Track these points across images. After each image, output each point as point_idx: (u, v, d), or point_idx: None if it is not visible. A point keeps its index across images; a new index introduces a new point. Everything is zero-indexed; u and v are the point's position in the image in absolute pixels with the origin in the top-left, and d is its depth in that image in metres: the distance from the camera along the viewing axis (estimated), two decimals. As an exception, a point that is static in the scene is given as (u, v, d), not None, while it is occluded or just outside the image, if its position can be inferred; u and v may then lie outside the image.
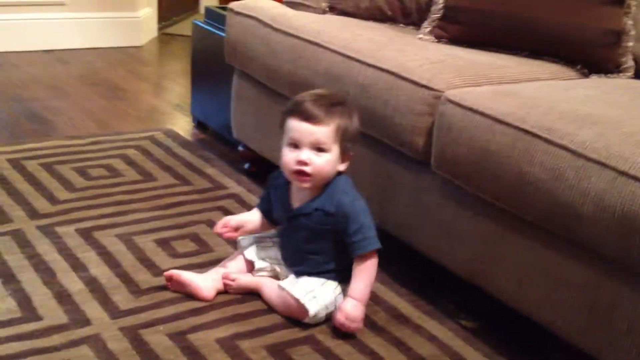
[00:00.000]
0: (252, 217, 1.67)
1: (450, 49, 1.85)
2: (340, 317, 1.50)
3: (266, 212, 1.67)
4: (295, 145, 1.52)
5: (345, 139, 1.53)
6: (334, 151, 1.52)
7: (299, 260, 1.59)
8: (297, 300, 1.51)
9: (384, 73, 1.70)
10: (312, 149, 1.51)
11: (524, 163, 1.38)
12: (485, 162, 1.46)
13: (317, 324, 1.54)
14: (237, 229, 1.63)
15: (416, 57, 1.71)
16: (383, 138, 1.72)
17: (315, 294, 1.53)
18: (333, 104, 1.53)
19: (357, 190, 1.58)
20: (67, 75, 3.25)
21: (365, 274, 1.53)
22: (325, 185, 1.56)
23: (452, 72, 1.65)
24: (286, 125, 1.54)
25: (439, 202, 1.63)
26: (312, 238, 1.57)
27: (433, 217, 1.64)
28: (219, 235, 1.65)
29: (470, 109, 1.50)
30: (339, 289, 1.57)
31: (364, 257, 1.53)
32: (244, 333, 1.49)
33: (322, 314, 1.53)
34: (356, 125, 1.57)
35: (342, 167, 1.56)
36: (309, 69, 1.90)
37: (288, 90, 2.00)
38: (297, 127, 1.51)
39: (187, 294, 1.59)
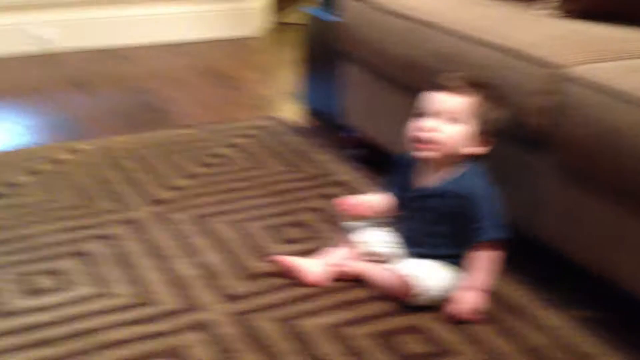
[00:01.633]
0: (374, 199, 1.63)
1: (571, 24, 1.74)
2: (454, 306, 1.46)
3: (395, 194, 1.62)
4: (424, 114, 1.50)
5: (484, 120, 1.48)
6: (470, 126, 1.47)
7: (420, 242, 1.56)
8: (404, 277, 1.48)
9: (499, 51, 1.62)
10: (444, 119, 1.48)
11: (655, 143, 1.27)
12: (613, 142, 1.35)
13: (425, 310, 1.49)
14: (356, 206, 1.60)
15: (534, 33, 1.62)
16: (498, 120, 1.64)
17: (424, 272, 1.49)
18: (480, 83, 1.51)
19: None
20: (186, 67, 3.34)
21: (484, 262, 1.48)
22: (456, 167, 1.51)
23: (574, 48, 1.54)
24: (420, 99, 1.53)
25: (559, 187, 1.53)
26: (439, 220, 1.53)
27: (552, 203, 1.55)
28: (342, 209, 1.61)
29: (598, 86, 1.39)
30: (452, 274, 1.51)
31: (486, 245, 1.47)
32: (352, 320, 1.46)
33: (428, 295, 1.48)
34: (502, 114, 1.51)
35: (476, 150, 1.50)
36: (422, 50, 1.84)
37: (401, 73, 1.95)
38: (431, 97, 1.50)
39: (295, 280, 1.58)
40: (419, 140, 1.49)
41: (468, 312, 1.46)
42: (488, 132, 1.50)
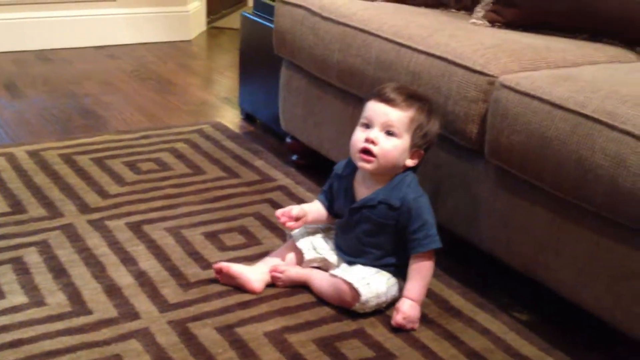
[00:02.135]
0: (314, 208, 1.65)
1: (504, 33, 1.79)
2: (398, 318, 1.47)
3: (329, 205, 1.64)
4: (367, 125, 1.52)
5: (418, 134, 1.51)
6: (404, 140, 1.50)
7: (357, 252, 1.57)
8: (349, 285, 1.49)
9: (435, 59, 1.65)
10: (383, 131, 1.49)
11: (585, 149, 1.32)
12: (543, 149, 1.39)
13: (366, 316, 1.50)
14: (297, 218, 1.60)
15: (469, 42, 1.65)
16: (434, 127, 1.67)
17: (368, 280, 1.50)
18: (415, 96, 1.53)
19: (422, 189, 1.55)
20: (118, 71, 3.28)
21: (422, 273, 1.51)
22: (391, 178, 1.53)
23: (507, 57, 1.59)
24: (364, 107, 1.54)
25: (494, 192, 1.57)
26: (373, 231, 1.54)
27: (487, 208, 1.59)
28: (280, 221, 1.62)
29: (527, 94, 1.44)
30: (392, 280, 1.54)
31: (422, 256, 1.50)
32: (293, 326, 1.46)
33: (373, 302, 1.50)
34: (434, 128, 1.54)
35: (410, 162, 1.53)
36: (359, 57, 1.86)
37: (337, 80, 1.97)
38: (373, 107, 1.52)
39: (236, 287, 1.57)
40: (361, 151, 1.51)
41: (409, 323, 1.48)
42: (420, 145, 1.53)
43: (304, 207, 1.65)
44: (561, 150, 1.36)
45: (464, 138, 1.60)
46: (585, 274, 1.39)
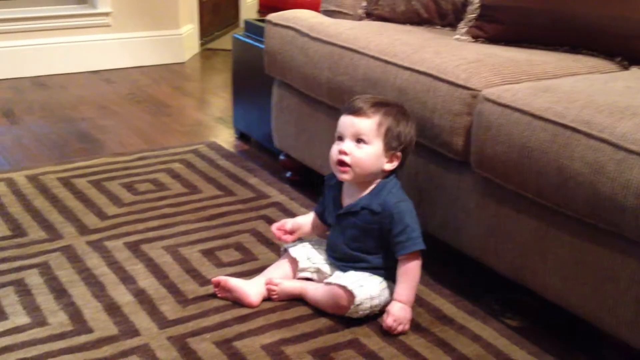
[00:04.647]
0: (308, 220, 1.72)
1: (487, 48, 1.84)
2: (388, 320, 1.51)
3: (321, 214, 1.70)
4: (340, 138, 1.58)
5: (389, 137, 1.55)
6: (375, 145, 1.55)
7: (347, 258, 1.62)
8: (344, 288, 1.53)
9: (421, 75, 1.70)
10: (354, 141, 1.55)
11: (564, 158, 1.37)
12: (525, 159, 1.44)
13: (360, 325, 1.54)
14: (292, 232, 1.68)
15: (453, 58, 1.71)
16: (423, 140, 1.72)
17: (361, 283, 1.55)
18: (381, 102, 1.58)
19: (405, 193, 1.60)
20: (114, 94, 3.33)
21: (409, 275, 1.55)
22: (374, 185, 1.58)
23: (489, 71, 1.64)
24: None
25: (481, 202, 1.62)
26: (359, 237, 1.59)
27: (475, 217, 1.63)
28: (276, 235, 1.70)
29: (508, 107, 1.49)
30: (384, 283, 1.58)
31: (407, 258, 1.54)
32: (289, 338, 1.50)
33: (367, 305, 1.54)
34: (408, 129, 1.58)
35: (388, 166, 1.58)
36: (347, 75, 1.91)
37: (327, 97, 2.02)
38: (343, 120, 1.58)
39: (233, 301, 1.61)
40: (337, 163, 1.57)
41: (400, 325, 1.52)
42: (395, 148, 1.57)
43: (298, 220, 1.71)
44: (542, 159, 1.41)
45: (451, 150, 1.65)
46: (570, 278, 1.43)
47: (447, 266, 1.82)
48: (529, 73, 1.67)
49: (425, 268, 1.76)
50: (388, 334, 1.53)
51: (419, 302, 1.64)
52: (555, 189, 1.40)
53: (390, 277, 1.59)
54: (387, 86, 1.78)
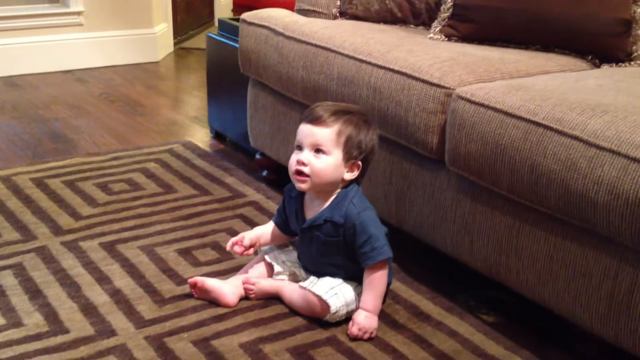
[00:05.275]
0: (266, 230, 1.68)
1: (460, 47, 1.86)
2: (354, 329, 1.51)
3: (281, 224, 1.67)
4: (299, 147, 1.54)
5: (349, 146, 1.51)
6: (334, 155, 1.51)
7: (319, 268, 1.61)
8: (319, 297, 1.53)
9: (395, 74, 1.71)
10: (312, 150, 1.52)
11: (537, 155, 1.39)
12: (498, 156, 1.46)
13: (338, 324, 1.55)
14: (251, 246, 1.64)
15: (426, 57, 1.72)
16: (397, 138, 1.74)
17: (336, 290, 1.55)
18: (341, 111, 1.54)
19: (368, 200, 1.58)
20: (87, 94, 3.31)
21: (375, 284, 1.54)
22: (334, 195, 1.56)
23: (462, 69, 1.66)
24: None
25: (455, 199, 1.63)
26: (325, 250, 1.58)
27: (450, 214, 1.65)
28: (234, 251, 1.65)
29: (482, 105, 1.51)
30: (360, 288, 1.58)
31: (373, 268, 1.53)
32: (267, 337, 1.50)
33: (343, 312, 1.55)
34: (369, 137, 1.54)
35: (348, 175, 1.54)
36: (322, 74, 1.92)
37: (302, 96, 2.02)
38: (302, 129, 1.54)
39: (211, 301, 1.61)
40: (295, 173, 1.53)
41: (365, 334, 1.51)
42: (355, 157, 1.53)
43: (258, 230, 1.68)
44: (515, 156, 1.43)
45: (426, 148, 1.66)
46: (544, 273, 1.45)
47: (423, 264, 1.83)
48: (502, 71, 1.69)
49: (401, 265, 1.78)
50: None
51: (395, 299, 1.66)
52: (528, 185, 1.42)
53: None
54: (361, 85, 1.79)
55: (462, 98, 1.55)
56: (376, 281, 1.54)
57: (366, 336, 1.51)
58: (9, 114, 2.97)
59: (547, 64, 1.77)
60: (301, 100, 2.04)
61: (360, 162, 1.54)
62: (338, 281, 1.58)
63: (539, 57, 1.82)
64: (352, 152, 1.52)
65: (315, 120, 1.52)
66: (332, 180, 1.53)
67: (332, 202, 1.56)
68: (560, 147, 1.35)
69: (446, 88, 1.61)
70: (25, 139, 2.70)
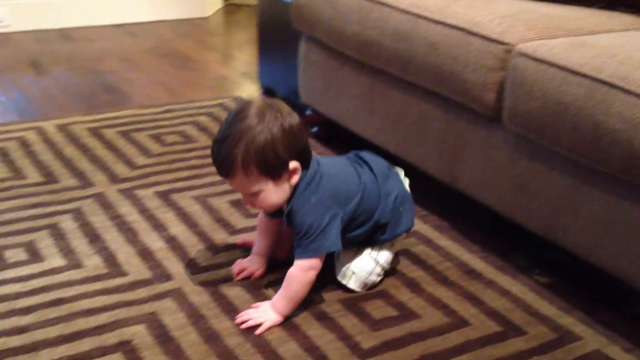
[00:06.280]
0: (260, 234, 1.58)
1: (521, 3, 1.82)
2: (245, 312, 1.41)
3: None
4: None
5: (269, 169, 1.33)
6: (266, 184, 1.35)
7: None
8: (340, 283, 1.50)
9: (453, 29, 1.69)
10: (247, 195, 1.39)
11: (601, 114, 1.36)
12: (560, 114, 1.44)
13: (389, 278, 1.56)
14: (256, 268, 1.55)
15: (486, 12, 1.69)
16: (452, 95, 1.72)
17: (352, 270, 1.50)
18: (230, 144, 1.32)
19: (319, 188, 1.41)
20: (138, 48, 3.34)
21: (290, 282, 1.41)
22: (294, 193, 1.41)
23: (523, 26, 1.62)
24: None
25: (512, 158, 1.62)
26: None
27: (506, 174, 1.63)
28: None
29: (544, 61, 1.48)
30: (374, 251, 1.53)
31: (297, 265, 1.41)
32: (318, 287, 1.51)
33: (372, 278, 1.51)
34: (280, 142, 1.32)
35: (295, 179, 1.38)
36: (376, 29, 1.90)
37: (355, 52, 2.01)
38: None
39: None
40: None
41: (246, 317, 1.40)
42: (284, 165, 1.35)
43: (254, 247, 1.58)
44: (578, 115, 1.40)
45: (482, 106, 1.64)
46: (602, 235, 1.44)
47: (475, 222, 1.82)
48: (564, 29, 1.65)
49: (452, 224, 1.78)
50: (415, 286, 1.54)
51: (446, 257, 1.66)
52: (590, 145, 1.39)
53: (376, 241, 1.52)
54: (417, 40, 1.77)
55: (524, 55, 1.52)
56: (293, 279, 1.40)
57: (250, 323, 1.38)
58: (64, 66, 3.01)
59: (611, 23, 1.73)
60: (354, 55, 2.03)
61: (292, 164, 1.36)
62: (350, 257, 1.52)
63: (602, 15, 1.77)
64: (276, 170, 1.34)
65: (222, 174, 1.37)
66: (283, 198, 1.39)
67: (289, 199, 1.41)
68: (625, 106, 1.32)
69: (506, 44, 1.58)
70: (80, 90, 2.74)
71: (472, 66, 1.64)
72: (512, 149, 1.62)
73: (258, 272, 1.55)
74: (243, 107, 1.36)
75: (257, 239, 1.57)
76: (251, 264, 1.55)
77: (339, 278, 1.52)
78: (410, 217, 1.56)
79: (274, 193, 1.36)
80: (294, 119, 1.36)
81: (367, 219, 1.49)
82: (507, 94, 1.56)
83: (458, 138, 1.76)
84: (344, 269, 1.52)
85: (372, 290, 1.53)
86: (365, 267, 1.51)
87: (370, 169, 1.53)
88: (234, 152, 1.32)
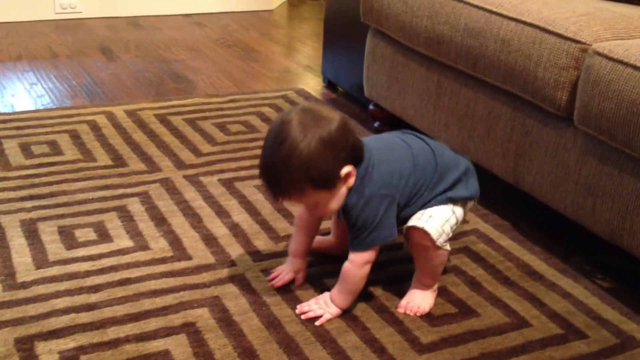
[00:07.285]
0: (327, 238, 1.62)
1: (597, 2, 1.79)
2: (306, 303, 1.43)
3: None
4: None
5: (322, 182, 1.30)
6: (322, 197, 1.33)
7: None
8: (414, 228, 1.40)
9: (527, 26, 1.67)
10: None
11: (678, 117, 1.33)
12: (634, 116, 1.40)
13: (446, 273, 1.55)
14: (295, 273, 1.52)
15: (562, 10, 1.66)
16: (522, 93, 1.70)
17: (430, 213, 1.41)
18: (279, 180, 1.30)
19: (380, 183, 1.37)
20: (205, 38, 3.39)
21: (346, 275, 1.41)
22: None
23: (600, 25, 1.59)
24: None
25: (581, 159, 1.59)
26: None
27: (573, 175, 1.61)
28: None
29: (620, 62, 1.45)
30: (454, 206, 1.45)
31: (351, 257, 1.40)
32: (377, 280, 1.52)
33: (447, 227, 1.41)
34: (326, 158, 1.28)
35: (351, 183, 1.34)
36: (447, 25, 1.89)
37: (424, 47, 2.00)
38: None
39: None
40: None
41: (307, 308, 1.42)
42: (335, 177, 1.31)
43: (291, 247, 1.54)
44: (653, 117, 1.37)
45: (553, 105, 1.62)
46: (671, 241, 1.40)
47: (538, 223, 1.80)
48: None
49: (515, 224, 1.76)
50: (476, 284, 1.53)
51: (508, 257, 1.64)
52: (664, 148, 1.36)
53: (453, 197, 1.43)
54: (489, 37, 1.75)
55: (599, 54, 1.49)
56: (349, 272, 1.40)
57: (310, 315, 1.40)
58: (133, 53, 3.09)
59: (691, 25, 1.68)
60: (422, 51, 2.02)
61: (344, 170, 1.32)
62: (429, 205, 1.43)
63: (681, 17, 1.72)
64: (329, 181, 1.31)
65: (277, 199, 1.36)
66: (343, 200, 1.36)
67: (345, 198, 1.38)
68: None
69: (582, 43, 1.55)
70: (148, 77, 2.80)
71: (544, 64, 1.61)
72: (581, 149, 1.59)
73: (298, 281, 1.50)
74: (282, 127, 1.29)
75: (295, 237, 1.52)
76: (286, 273, 1.51)
77: (412, 223, 1.40)
78: (476, 185, 1.49)
79: (333, 200, 1.34)
80: (332, 123, 1.29)
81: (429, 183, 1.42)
82: (580, 94, 1.54)
83: (525, 137, 1.74)
84: (417, 214, 1.42)
85: (432, 286, 1.52)
86: (442, 211, 1.41)
87: (423, 141, 1.47)
88: (284, 179, 1.29)
